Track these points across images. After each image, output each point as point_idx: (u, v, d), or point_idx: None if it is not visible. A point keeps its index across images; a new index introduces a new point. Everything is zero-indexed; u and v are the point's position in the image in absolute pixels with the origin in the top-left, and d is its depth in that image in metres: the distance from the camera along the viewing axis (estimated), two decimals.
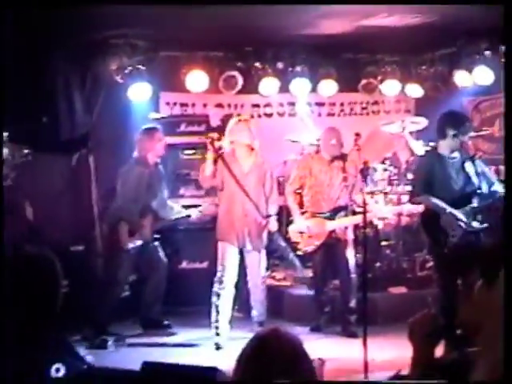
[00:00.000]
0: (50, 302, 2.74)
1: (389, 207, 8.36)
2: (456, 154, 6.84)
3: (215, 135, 7.43)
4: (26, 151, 9.95)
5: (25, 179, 9.75)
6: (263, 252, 7.56)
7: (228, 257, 7.38)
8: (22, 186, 9.38)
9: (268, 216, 7.50)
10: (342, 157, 7.75)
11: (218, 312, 7.33)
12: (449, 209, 6.70)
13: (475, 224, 6.71)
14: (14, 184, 9.26)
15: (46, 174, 8.83)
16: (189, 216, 8.21)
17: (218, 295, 7.33)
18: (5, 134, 10.34)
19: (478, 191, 6.80)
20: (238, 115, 8.25)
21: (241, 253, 7.49)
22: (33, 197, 9.07)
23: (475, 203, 6.73)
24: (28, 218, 8.87)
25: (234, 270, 7.42)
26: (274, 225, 7.64)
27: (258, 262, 7.50)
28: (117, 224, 7.78)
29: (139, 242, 7.80)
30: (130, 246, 7.77)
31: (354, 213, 7.74)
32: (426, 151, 7.60)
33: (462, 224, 6.68)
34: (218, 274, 7.37)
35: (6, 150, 12.41)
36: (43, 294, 2.71)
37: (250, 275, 7.57)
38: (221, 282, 7.34)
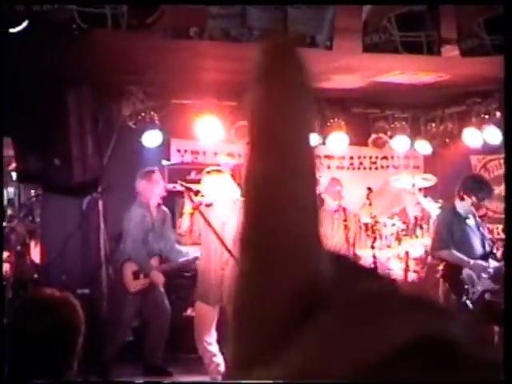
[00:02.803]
0: (69, 349, 2.67)
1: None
2: (470, 217, 6.97)
3: (194, 187, 7.07)
4: (33, 192, 10.01)
5: (32, 220, 9.79)
6: None
7: (203, 319, 7.05)
8: (28, 226, 9.42)
9: None
10: (344, 209, 7.79)
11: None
12: (472, 261, 6.79)
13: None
14: (19, 224, 9.29)
15: (56, 215, 8.88)
16: (197, 258, 8.20)
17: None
18: (13, 174, 10.41)
19: (492, 251, 6.90)
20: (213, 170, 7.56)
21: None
22: (40, 238, 9.11)
23: (491, 264, 6.79)
24: (33, 259, 8.89)
25: (209, 333, 7.03)
26: None
27: None
28: (123, 265, 7.82)
29: (143, 283, 7.81)
30: (133, 289, 7.79)
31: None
32: (443, 208, 7.60)
33: (484, 281, 6.75)
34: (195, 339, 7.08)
35: (12, 190, 12.50)
36: (63, 340, 2.65)
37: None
38: (202, 354, 7.08)
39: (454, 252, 6.90)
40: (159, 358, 8.09)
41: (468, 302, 6.79)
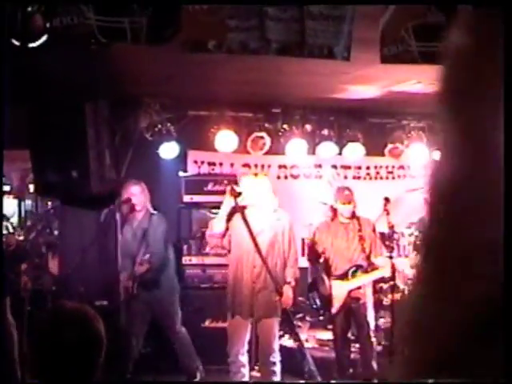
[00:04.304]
0: (92, 362, 2.68)
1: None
2: None
3: (238, 188, 6.90)
4: (50, 204, 10.06)
5: (50, 232, 9.84)
6: (276, 320, 7.02)
7: (235, 331, 7.03)
8: (46, 238, 9.47)
9: (287, 283, 6.95)
10: (358, 218, 7.77)
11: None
12: None
13: None
14: (37, 236, 9.35)
15: (73, 228, 8.92)
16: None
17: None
18: (31, 187, 10.45)
19: None
20: (255, 173, 7.75)
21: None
22: (58, 250, 9.16)
23: None
24: (51, 271, 8.93)
25: (242, 344, 7.03)
26: (288, 298, 6.94)
27: (268, 332, 6.98)
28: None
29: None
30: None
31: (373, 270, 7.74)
32: None
33: None
34: (227, 349, 7.06)
35: (30, 202, 12.58)
36: (88, 354, 2.67)
37: (260, 343, 7.11)
38: (232, 362, 7.06)
39: None
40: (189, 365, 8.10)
41: None
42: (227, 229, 6.94)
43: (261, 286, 6.86)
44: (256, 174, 7.16)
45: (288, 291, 6.94)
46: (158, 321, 7.91)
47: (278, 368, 6.99)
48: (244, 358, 7.06)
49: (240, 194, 6.81)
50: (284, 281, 6.97)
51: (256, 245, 6.67)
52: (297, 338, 7.44)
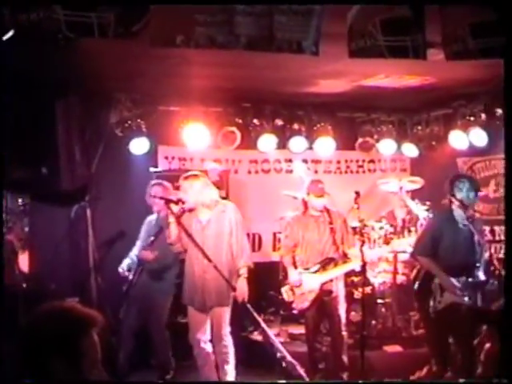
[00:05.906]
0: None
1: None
2: (466, 223, 6.91)
3: (174, 197, 7.02)
4: (20, 201, 9.96)
5: (21, 229, 9.75)
6: (227, 309, 6.92)
7: (194, 322, 7.02)
8: (17, 236, 9.38)
9: (239, 275, 6.88)
10: (328, 210, 7.80)
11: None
12: (445, 277, 6.80)
13: (466, 299, 6.76)
14: (8, 234, 9.25)
15: (44, 224, 8.86)
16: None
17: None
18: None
19: (477, 265, 6.87)
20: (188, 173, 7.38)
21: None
22: (29, 247, 9.08)
23: (471, 278, 6.80)
24: (22, 268, 8.85)
25: (203, 333, 6.97)
26: (242, 291, 6.83)
27: (218, 318, 6.92)
28: None
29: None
30: None
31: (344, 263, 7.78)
32: (439, 212, 7.55)
33: (454, 294, 6.77)
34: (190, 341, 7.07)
35: None
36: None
37: (212, 330, 6.98)
38: (197, 354, 7.05)
39: (431, 262, 6.92)
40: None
41: (431, 309, 6.84)
42: (180, 231, 6.92)
43: (211, 277, 6.82)
44: (195, 176, 7.07)
45: (241, 284, 6.89)
46: (148, 313, 7.97)
47: (230, 349, 6.96)
48: (208, 346, 7.04)
49: (179, 200, 6.87)
50: (237, 273, 6.94)
51: (197, 244, 6.74)
52: (264, 332, 7.41)
